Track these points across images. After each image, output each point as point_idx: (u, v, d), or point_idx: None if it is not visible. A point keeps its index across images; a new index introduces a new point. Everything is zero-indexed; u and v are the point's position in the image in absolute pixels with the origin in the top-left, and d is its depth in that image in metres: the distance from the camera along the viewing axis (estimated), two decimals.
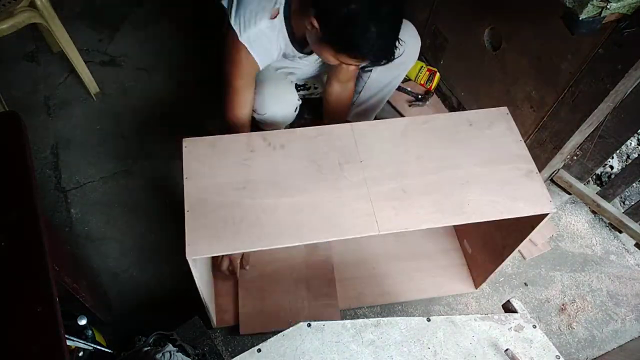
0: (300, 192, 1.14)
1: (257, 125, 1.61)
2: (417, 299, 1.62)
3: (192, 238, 1.06)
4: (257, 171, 1.17)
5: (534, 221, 1.23)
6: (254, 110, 1.50)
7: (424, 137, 1.26)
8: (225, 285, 1.57)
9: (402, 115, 2.04)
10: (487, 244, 1.52)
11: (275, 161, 1.19)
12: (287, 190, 1.14)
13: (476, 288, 1.64)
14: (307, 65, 1.57)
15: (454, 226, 1.75)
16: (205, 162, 1.17)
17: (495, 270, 1.49)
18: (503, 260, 1.42)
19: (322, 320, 0.98)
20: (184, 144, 1.20)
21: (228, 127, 1.45)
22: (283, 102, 1.52)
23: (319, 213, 1.11)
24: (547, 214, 1.17)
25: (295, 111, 1.58)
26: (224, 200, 1.12)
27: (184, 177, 1.15)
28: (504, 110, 1.33)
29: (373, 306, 1.61)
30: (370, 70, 1.61)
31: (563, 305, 1.69)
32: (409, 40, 1.55)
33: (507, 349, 0.97)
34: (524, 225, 1.28)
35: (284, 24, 1.32)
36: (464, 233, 1.70)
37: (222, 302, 1.54)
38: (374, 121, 1.33)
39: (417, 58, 1.66)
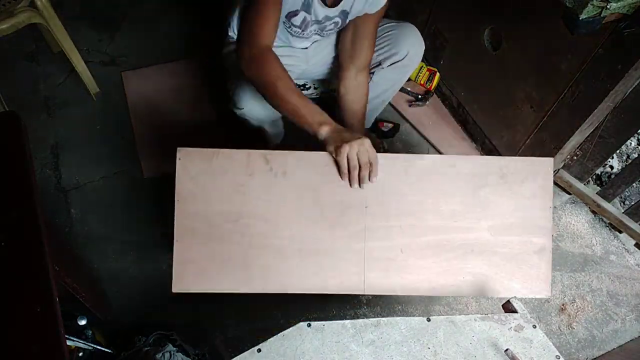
0: (293, 234, 1.08)
1: (241, 122, 1.53)
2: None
3: (178, 272, 1.05)
4: (252, 201, 1.08)
5: None
6: (232, 104, 1.43)
7: (446, 184, 1.11)
8: None
9: (402, 115, 2.04)
10: None
11: (273, 192, 1.08)
12: (279, 230, 1.08)
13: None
14: (306, 59, 1.56)
15: None
16: (199, 182, 1.08)
17: None
18: None
19: None
20: (177, 155, 1.08)
21: (249, 63, 1.23)
22: (263, 100, 1.34)
23: (308, 263, 1.07)
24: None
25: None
26: (214, 233, 1.07)
27: (176, 199, 1.08)
28: (548, 163, 1.13)
29: (373, 306, 1.61)
30: (373, 73, 1.61)
31: (563, 305, 1.69)
32: (413, 44, 1.54)
33: (507, 349, 0.97)
34: None
35: None
36: None
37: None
38: (395, 155, 1.12)
39: (419, 62, 1.65)
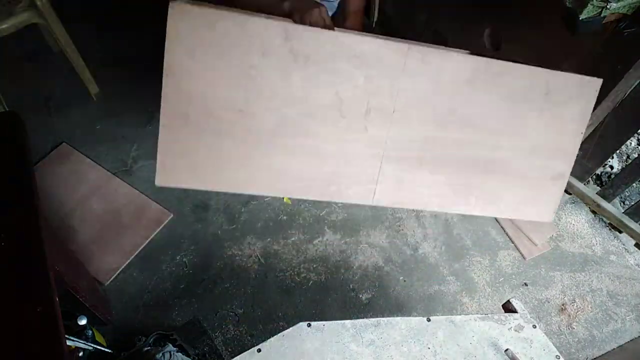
0: (306, 134, 0.92)
1: None
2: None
3: (163, 165, 0.87)
4: (262, 89, 0.89)
5: None
6: None
7: (487, 96, 0.99)
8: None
9: None
10: None
11: (289, 81, 0.89)
12: (290, 127, 0.91)
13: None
14: None
15: None
16: (197, 54, 0.85)
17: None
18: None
19: None
20: (169, 10, 0.82)
21: None
22: None
23: (319, 167, 0.94)
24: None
25: None
26: (212, 124, 0.88)
27: (164, 73, 0.85)
28: (596, 83, 1.05)
29: (373, 306, 1.61)
30: None
31: (563, 305, 1.69)
32: None
33: (507, 349, 0.97)
34: None
35: None
36: None
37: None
38: (438, 51, 0.97)
39: None
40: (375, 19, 2.30)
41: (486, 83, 0.97)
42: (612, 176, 2.00)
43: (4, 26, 1.55)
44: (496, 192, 1.05)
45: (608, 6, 1.08)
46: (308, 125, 0.92)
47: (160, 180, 0.87)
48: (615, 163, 2.10)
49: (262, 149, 0.91)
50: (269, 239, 1.73)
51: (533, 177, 1.06)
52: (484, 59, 0.96)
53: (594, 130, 1.61)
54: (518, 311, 1.06)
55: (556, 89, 1.02)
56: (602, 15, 1.10)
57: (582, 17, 1.10)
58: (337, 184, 0.95)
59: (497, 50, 1.69)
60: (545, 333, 1.03)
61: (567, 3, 1.11)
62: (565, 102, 1.03)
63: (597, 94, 1.06)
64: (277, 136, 0.91)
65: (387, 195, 0.99)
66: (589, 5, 1.07)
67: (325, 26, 1.16)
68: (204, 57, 0.85)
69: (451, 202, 1.02)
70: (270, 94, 0.89)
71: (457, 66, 0.96)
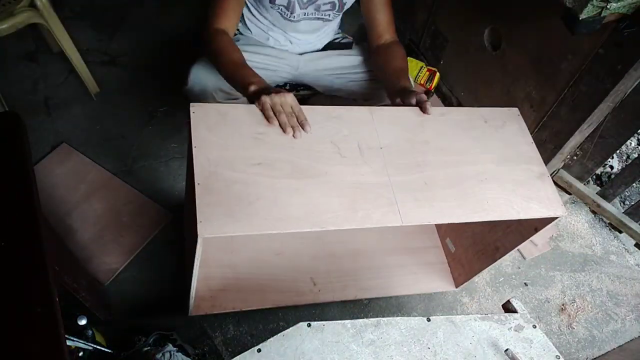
0: (321, 173, 1.08)
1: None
2: (394, 295, 1.61)
3: (204, 215, 0.96)
4: (273, 147, 1.08)
5: (538, 224, 1.24)
6: (185, 84, 1.43)
7: (442, 129, 1.23)
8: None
9: None
10: (476, 244, 1.51)
11: (292, 139, 1.11)
12: (306, 170, 1.07)
13: (456, 287, 1.64)
14: (297, 65, 1.55)
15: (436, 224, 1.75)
16: (216, 131, 1.07)
17: (483, 270, 1.50)
18: (494, 261, 1.43)
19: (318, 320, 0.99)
20: (191, 109, 1.08)
21: (205, 42, 1.32)
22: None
23: (342, 198, 1.06)
24: (554, 218, 1.18)
25: None
26: (238, 176, 1.03)
27: (193, 145, 1.04)
28: (516, 111, 1.32)
29: (373, 306, 1.61)
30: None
31: (563, 305, 1.69)
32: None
33: (507, 349, 0.97)
34: (527, 228, 1.28)
35: None
36: (446, 232, 1.70)
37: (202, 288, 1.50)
38: (394, 108, 1.26)
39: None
40: None
41: (435, 121, 1.24)
42: (612, 176, 2.00)
43: (4, 26, 1.55)
44: (503, 196, 1.16)
45: (608, 6, 1.08)
46: (319, 167, 1.09)
47: (205, 232, 0.95)
48: (615, 163, 2.10)
49: (286, 191, 1.04)
50: None
51: (523, 180, 1.20)
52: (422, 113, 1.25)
53: (594, 130, 1.61)
54: (518, 311, 1.06)
55: (491, 117, 1.30)
56: (602, 15, 1.10)
57: (582, 17, 1.10)
58: (362, 210, 1.05)
59: (496, 50, 1.69)
60: (545, 333, 1.03)
61: (567, 3, 1.11)
62: (503, 125, 1.29)
63: (520, 117, 1.33)
64: (296, 178, 1.06)
65: (412, 215, 1.08)
66: (589, 5, 1.07)
67: (292, 112, 1.17)
68: (221, 133, 1.07)
69: (470, 213, 1.12)
70: (280, 150, 1.09)
71: (408, 114, 1.24)
